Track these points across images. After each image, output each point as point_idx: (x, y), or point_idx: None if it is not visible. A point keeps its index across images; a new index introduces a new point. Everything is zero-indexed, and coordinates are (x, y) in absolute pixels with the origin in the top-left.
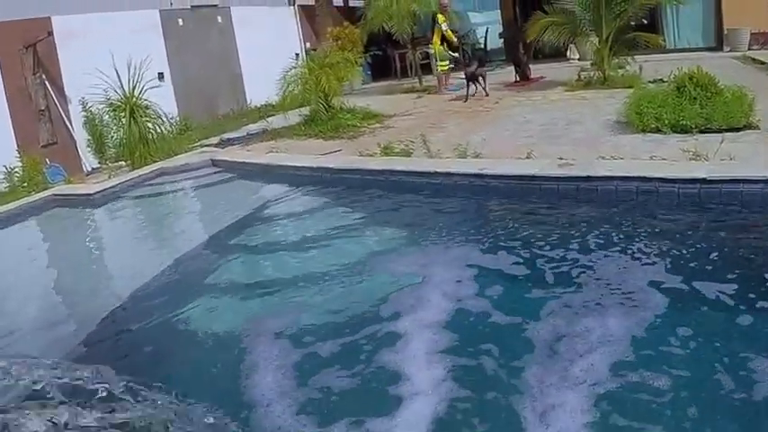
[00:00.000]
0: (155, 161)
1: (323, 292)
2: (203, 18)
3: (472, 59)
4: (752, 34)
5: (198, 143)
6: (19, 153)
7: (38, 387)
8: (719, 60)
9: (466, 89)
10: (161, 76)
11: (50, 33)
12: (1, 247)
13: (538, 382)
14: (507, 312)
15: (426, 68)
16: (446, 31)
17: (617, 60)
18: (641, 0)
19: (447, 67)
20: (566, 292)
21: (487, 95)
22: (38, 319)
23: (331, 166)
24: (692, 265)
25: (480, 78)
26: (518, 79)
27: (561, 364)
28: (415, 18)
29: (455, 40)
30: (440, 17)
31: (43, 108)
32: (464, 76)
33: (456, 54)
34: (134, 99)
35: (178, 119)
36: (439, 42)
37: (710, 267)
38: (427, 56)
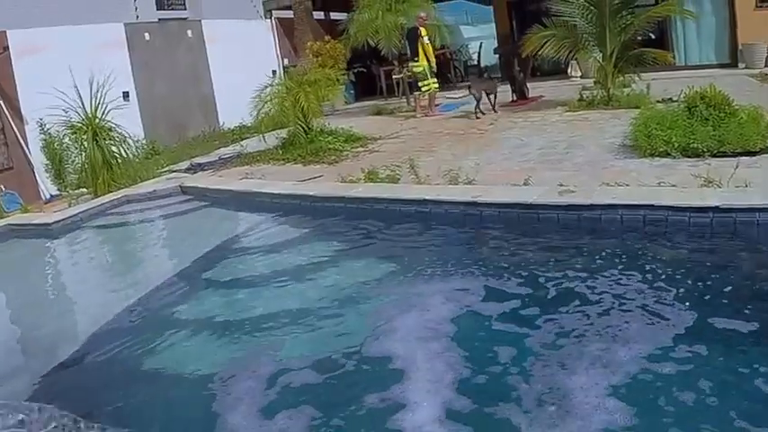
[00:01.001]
0: (119, 188)
1: (302, 331)
2: (172, 32)
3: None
4: None
5: (166, 168)
6: None
7: None
8: (734, 78)
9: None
10: (126, 95)
11: (6, 48)
12: None
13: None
14: (501, 359)
15: (415, 87)
16: (426, 45)
17: (622, 78)
18: (649, 13)
19: (435, 86)
20: (564, 337)
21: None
22: None
23: (311, 193)
24: (704, 302)
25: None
26: (514, 98)
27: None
28: (404, 32)
29: (432, 57)
30: (423, 31)
31: None
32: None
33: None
34: (97, 120)
35: (144, 142)
36: (425, 59)
37: (725, 302)
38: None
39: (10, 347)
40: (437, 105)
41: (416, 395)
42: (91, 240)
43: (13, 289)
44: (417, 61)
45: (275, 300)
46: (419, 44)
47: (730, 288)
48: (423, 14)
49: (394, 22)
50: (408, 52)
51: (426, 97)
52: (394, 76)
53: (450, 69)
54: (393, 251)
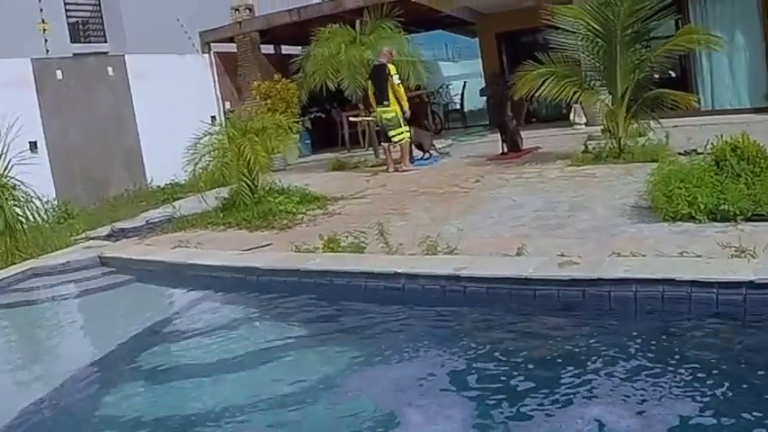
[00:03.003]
0: (25, 258)
1: None
2: (89, 70)
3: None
4: None
5: (82, 235)
6: None
7: None
8: None
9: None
10: (33, 146)
11: None
12: None
13: None
14: None
15: (384, 136)
16: (398, 86)
17: (636, 125)
18: (668, 45)
19: (408, 136)
20: None
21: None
22: None
23: (258, 265)
24: (737, 404)
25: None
26: (505, 150)
27: None
28: (367, 70)
29: (405, 101)
30: (392, 68)
31: None
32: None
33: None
34: None
35: (56, 202)
36: (397, 103)
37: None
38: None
39: None
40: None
41: None
42: None
43: None
44: (387, 106)
45: (212, 397)
46: (388, 85)
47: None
48: (387, 49)
49: (359, 58)
50: (371, 95)
51: (398, 149)
52: (364, 119)
53: (428, 115)
54: (357, 336)
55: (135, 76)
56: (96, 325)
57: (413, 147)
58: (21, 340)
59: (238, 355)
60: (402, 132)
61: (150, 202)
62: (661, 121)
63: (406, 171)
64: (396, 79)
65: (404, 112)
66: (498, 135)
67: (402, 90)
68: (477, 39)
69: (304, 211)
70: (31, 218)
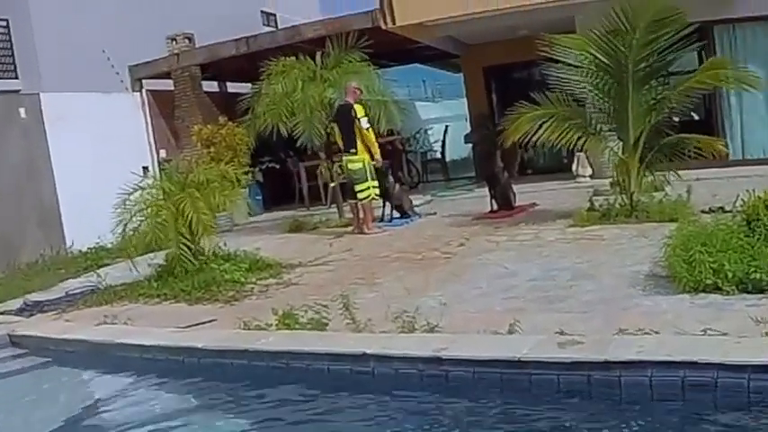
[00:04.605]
0: None
1: None
2: None
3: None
4: None
5: None
6: None
7: None
8: None
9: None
10: None
11: None
12: None
13: None
14: None
15: (350, 191)
16: (367, 130)
17: (652, 178)
18: (689, 82)
19: (376, 192)
20: None
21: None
22: None
23: (199, 345)
24: None
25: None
26: (495, 208)
27: None
28: (331, 111)
29: (376, 148)
30: (359, 109)
31: None
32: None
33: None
34: None
35: None
36: (366, 151)
37: None
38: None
39: None
40: (376, 220)
41: None
42: None
43: None
44: (355, 154)
45: None
46: (355, 129)
47: None
48: (354, 84)
49: (319, 97)
50: (339, 141)
51: (359, 206)
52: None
53: (403, 165)
54: (317, 430)
55: (52, 119)
56: (3, 418)
57: (393, 208)
58: None
59: None
60: (368, 188)
61: (70, 270)
62: (681, 173)
63: (370, 234)
64: (364, 123)
65: (378, 162)
66: (486, 190)
67: (372, 135)
68: (461, 74)
69: (254, 280)
70: None
